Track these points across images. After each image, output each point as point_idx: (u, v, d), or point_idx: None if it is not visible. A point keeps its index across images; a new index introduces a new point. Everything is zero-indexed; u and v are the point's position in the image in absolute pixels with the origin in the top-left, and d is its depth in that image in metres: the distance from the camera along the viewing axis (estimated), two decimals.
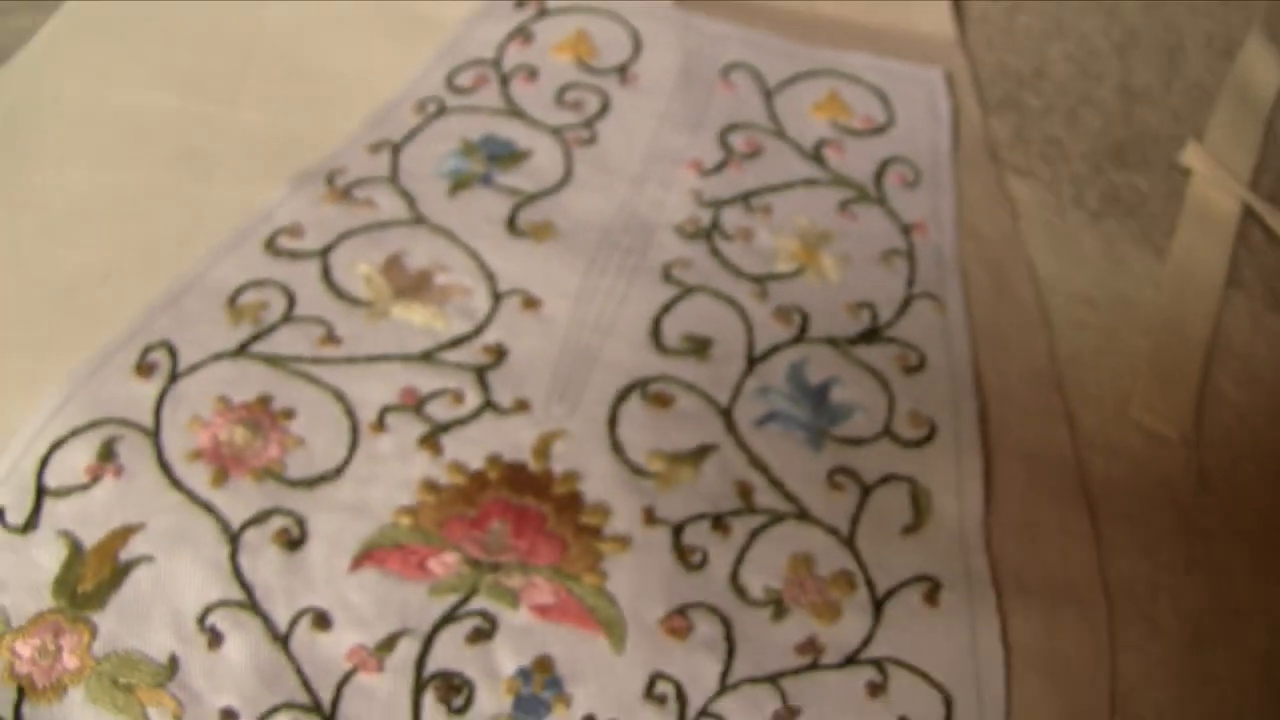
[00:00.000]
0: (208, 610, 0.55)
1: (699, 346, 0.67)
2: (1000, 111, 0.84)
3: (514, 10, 0.84)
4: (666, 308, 0.69)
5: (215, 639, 0.55)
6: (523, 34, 0.83)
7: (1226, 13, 0.95)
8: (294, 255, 0.69)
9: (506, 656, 0.56)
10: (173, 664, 0.54)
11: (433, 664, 0.55)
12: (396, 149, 0.75)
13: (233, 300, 0.66)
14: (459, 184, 0.73)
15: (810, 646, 0.57)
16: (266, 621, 0.56)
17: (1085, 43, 0.90)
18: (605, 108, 0.79)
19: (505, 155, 0.75)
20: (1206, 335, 0.74)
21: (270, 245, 0.69)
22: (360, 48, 0.83)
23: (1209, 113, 0.87)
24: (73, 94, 0.79)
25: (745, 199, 0.75)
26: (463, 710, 0.54)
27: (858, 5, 0.88)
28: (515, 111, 0.78)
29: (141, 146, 0.76)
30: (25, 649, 0.54)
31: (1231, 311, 0.75)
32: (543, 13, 0.84)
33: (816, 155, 0.78)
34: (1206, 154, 0.82)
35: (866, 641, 0.58)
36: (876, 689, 0.56)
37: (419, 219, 0.71)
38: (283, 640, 0.55)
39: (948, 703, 0.56)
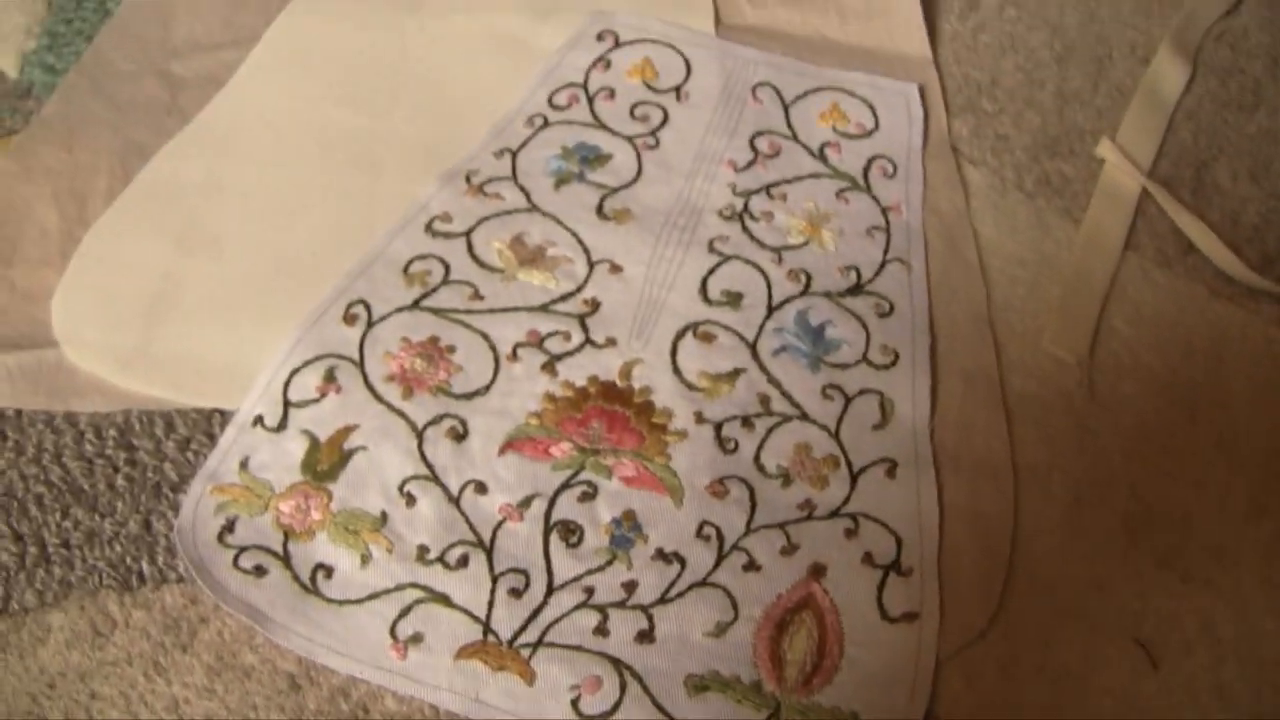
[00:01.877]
0: (405, 481, 0.73)
1: (733, 299, 0.82)
2: (961, 114, 0.97)
3: (596, 42, 0.99)
4: (711, 271, 0.83)
5: (411, 500, 0.73)
6: (603, 61, 0.97)
7: (1149, 25, 1.06)
8: (447, 235, 0.84)
9: (604, 510, 0.73)
10: (384, 516, 0.72)
11: (556, 515, 0.73)
12: (514, 154, 0.90)
13: (406, 269, 0.82)
14: (561, 180, 0.88)
15: (807, 505, 0.74)
16: (444, 489, 0.73)
17: (1032, 55, 1.02)
18: (665, 120, 0.94)
19: (593, 158, 0.90)
20: (1106, 285, 0.87)
21: (429, 228, 0.85)
22: (481, 70, 0.98)
23: (1126, 109, 0.99)
24: (274, 111, 0.94)
25: (768, 189, 0.89)
26: (577, 545, 0.72)
27: (855, 29, 1.02)
28: (600, 124, 0.92)
29: (328, 152, 0.91)
30: (286, 507, 0.72)
31: (1127, 267, 0.89)
32: (617, 44, 0.99)
33: (821, 154, 0.92)
34: (1115, 147, 0.95)
35: (845, 501, 0.75)
36: (851, 533, 0.74)
37: (534, 207, 0.86)
38: (455, 501, 0.73)
39: (899, 543, 0.73)
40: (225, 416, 0.78)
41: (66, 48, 1.02)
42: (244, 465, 0.74)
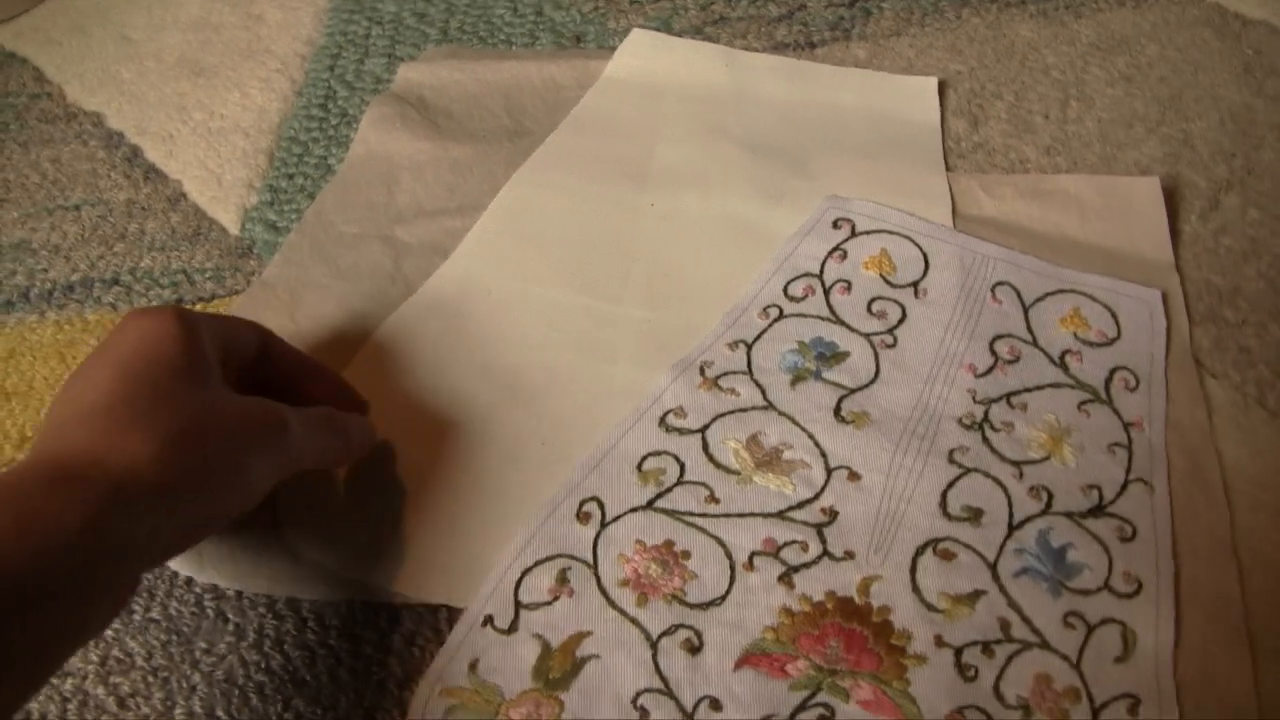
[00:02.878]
0: (638, 694, 0.72)
1: (974, 515, 0.81)
2: (1203, 324, 0.95)
3: (832, 230, 0.99)
4: (951, 484, 0.82)
5: (644, 715, 0.71)
6: (839, 251, 0.97)
7: None
8: (681, 431, 0.84)
9: None
10: None
11: None
12: (749, 346, 0.90)
13: (639, 465, 0.82)
14: (797, 378, 0.88)
15: None
16: (678, 704, 0.72)
17: (1276, 262, 0.99)
18: (903, 318, 0.93)
19: (830, 355, 0.89)
20: None
21: (662, 423, 0.85)
22: (712, 253, 0.97)
23: None
24: (501, 288, 0.95)
25: (1008, 398, 0.87)
26: None
27: (1095, 228, 1.00)
28: (836, 319, 0.92)
29: (557, 334, 0.91)
30: (517, 715, 0.71)
31: None
32: (854, 233, 0.98)
33: (1062, 362, 0.90)
34: None
35: None
36: None
37: (769, 405, 0.86)
38: (690, 717, 0.71)
39: None
40: (452, 613, 0.77)
41: (288, 205, 1.04)
42: (473, 668, 0.73)
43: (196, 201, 1.07)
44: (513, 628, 0.75)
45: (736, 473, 0.83)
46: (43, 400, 0.91)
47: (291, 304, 0.96)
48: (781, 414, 0.86)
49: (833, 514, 0.81)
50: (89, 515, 0.56)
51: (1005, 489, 0.83)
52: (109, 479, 0.58)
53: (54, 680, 0.75)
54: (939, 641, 0.76)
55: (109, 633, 0.78)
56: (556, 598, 0.76)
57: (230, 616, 0.78)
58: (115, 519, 0.57)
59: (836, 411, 0.87)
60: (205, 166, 1.10)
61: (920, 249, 0.98)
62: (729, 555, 0.79)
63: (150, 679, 0.75)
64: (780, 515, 0.81)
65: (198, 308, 0.96)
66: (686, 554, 0.79)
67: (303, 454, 0.68)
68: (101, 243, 1.03)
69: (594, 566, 0.78)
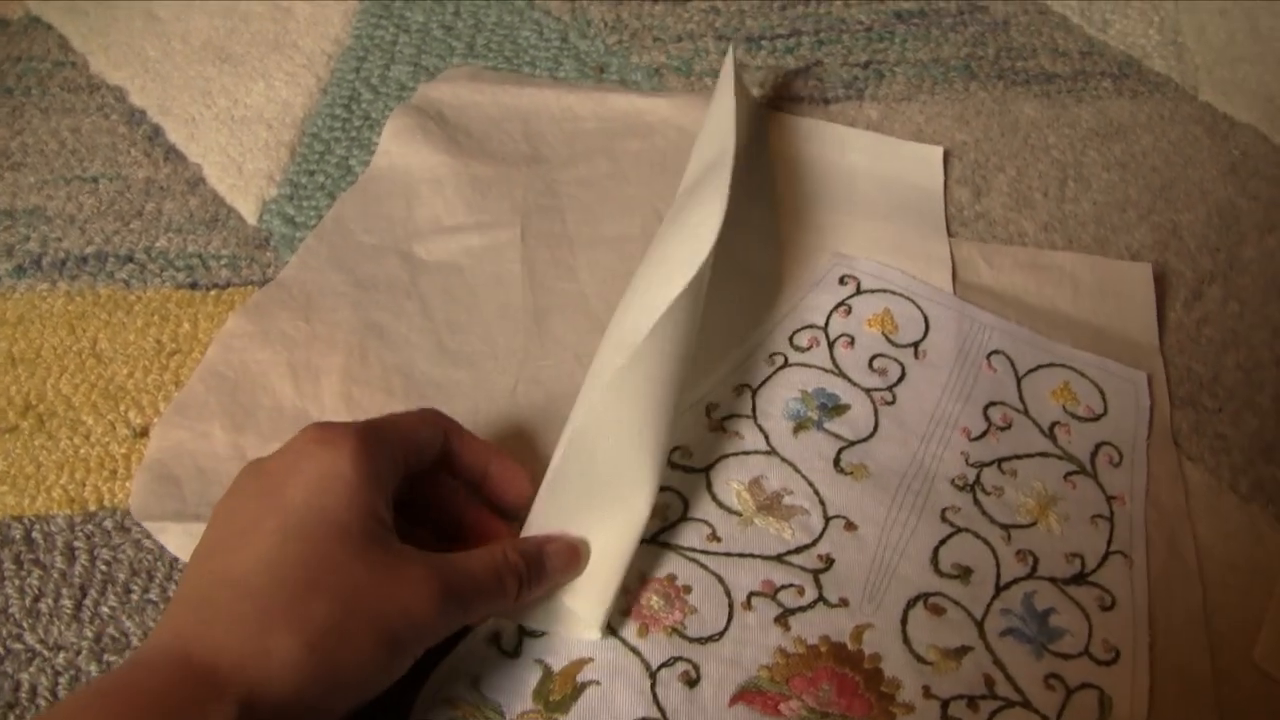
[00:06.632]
0: None
1: (964, 573, 0.83)
2: (1182, 408, 0.98)
3: (838, 285, 1.01)
4: (942, 541, 0.84)
5: None
6: (844, 307, 0.99)
7: None
8: (687, 469, 0.86)
9: None
10: None
11: None
12: (754, 392, 0.92)
13: None
14: (800, 426, 0.90)
15: None
16: None
17: (1253, 354, 1.03)
18: (903, 376, 0.95)
19: (832, 406, 0.92)
20: None
21: (669, 459, 0.86)
22: (720, 301, 0.97)
23: None
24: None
25: (999, 463, 0.90)
26: None
27: (1087, 305, 1.04)
28: (839, 372, 0.94)
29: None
30: None
31: None
32: (859, 290, 1.01)
33: (1051, 433, 0.93)
34: None
35: None
36: None
37: (772, 450, 0.88)
38: None
39: None
40: None
41: (307, 201, 1.05)
42: (475, 683, 0.75)
43: (215, 187, 1.09)
44: (516, 651, 0.76)
45: (738, 514, 0.85)
46: (49, 369, 0.93)
47: (306, 307, 0.97)
48: (784, 460, 0.88)
49: (829, 561, 0.83)
50: None
51: (994, 550, 0.86)
52: (244, 692, 0.56)
53: (46, 653, 0.78)
54: (927, 692, 0.78)
55: (105, 610, 0.79)
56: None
57: None
58: None
59: (836, 462, 0.89)
60: (226, 153, 1.12)
61: (921, 311, 1.01)
62: (728, 593, 0.81)
63: None
64: (779, 559, 0.83)
65: (211, 294, 0.99)
66: (688, 588, 0.80)
67: (454, 624, 0.69)
68: (118, 218, 1.05)
69: None
